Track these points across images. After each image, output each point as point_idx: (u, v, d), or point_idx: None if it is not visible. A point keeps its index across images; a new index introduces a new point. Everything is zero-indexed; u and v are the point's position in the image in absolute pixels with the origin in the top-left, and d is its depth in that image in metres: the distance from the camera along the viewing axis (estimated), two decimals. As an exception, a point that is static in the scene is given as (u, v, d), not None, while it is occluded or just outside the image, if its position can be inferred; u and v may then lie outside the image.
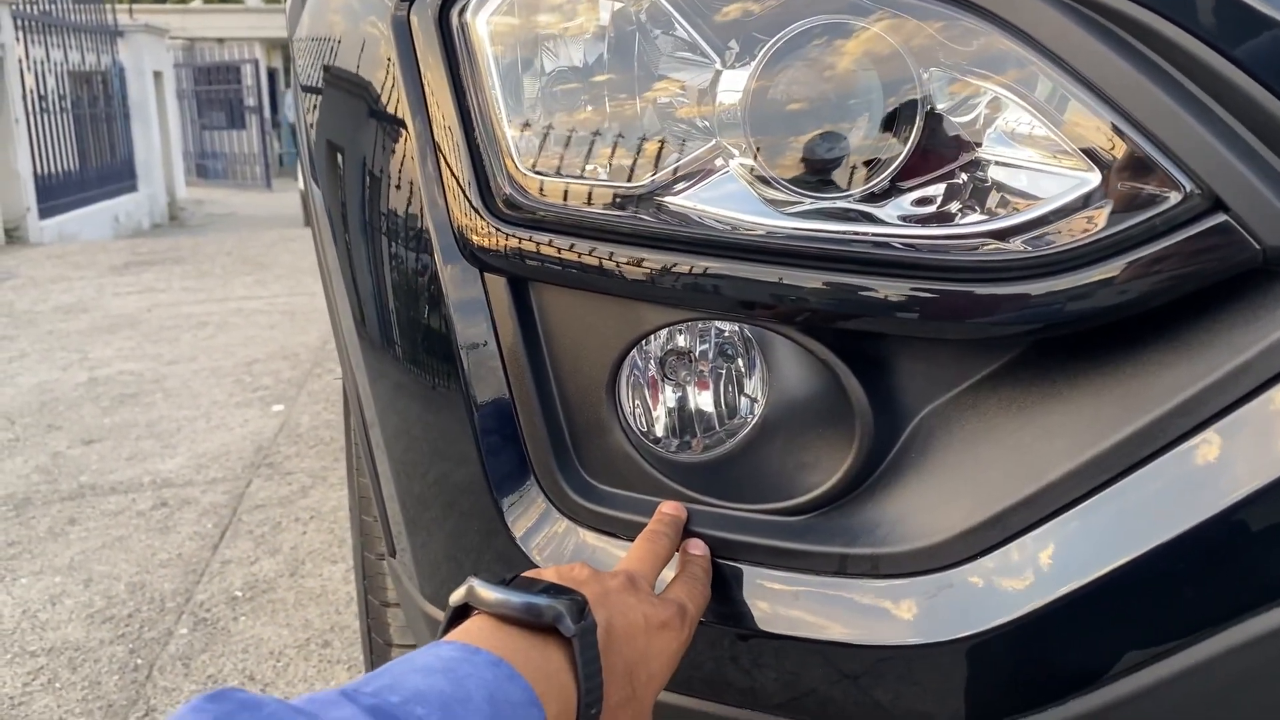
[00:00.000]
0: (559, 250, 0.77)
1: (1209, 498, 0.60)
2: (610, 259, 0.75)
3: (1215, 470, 0.61)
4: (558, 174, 0.77)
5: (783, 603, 0.73)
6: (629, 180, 0.75)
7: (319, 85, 1.05)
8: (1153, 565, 0.62)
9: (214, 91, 20.01)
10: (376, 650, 1.22)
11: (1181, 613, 0.63)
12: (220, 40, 21.18)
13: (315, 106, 1.08)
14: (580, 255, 0.76)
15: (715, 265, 0.72)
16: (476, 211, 0.79)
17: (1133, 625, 0.64)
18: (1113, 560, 0.63)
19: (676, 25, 0.73)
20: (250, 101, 19.34)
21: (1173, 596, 0.63)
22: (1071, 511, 0.65)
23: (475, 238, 0.79)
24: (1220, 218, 0.60)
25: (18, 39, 10.04)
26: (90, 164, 11.73)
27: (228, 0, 25.86)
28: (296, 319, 5.38)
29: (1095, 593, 0.63)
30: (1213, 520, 0.60)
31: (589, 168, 0.76)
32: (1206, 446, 0.61)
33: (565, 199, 0.76)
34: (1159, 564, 0.62)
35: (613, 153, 0.76)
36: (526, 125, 0.78)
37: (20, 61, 10.05)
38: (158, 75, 14.25)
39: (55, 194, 10.48)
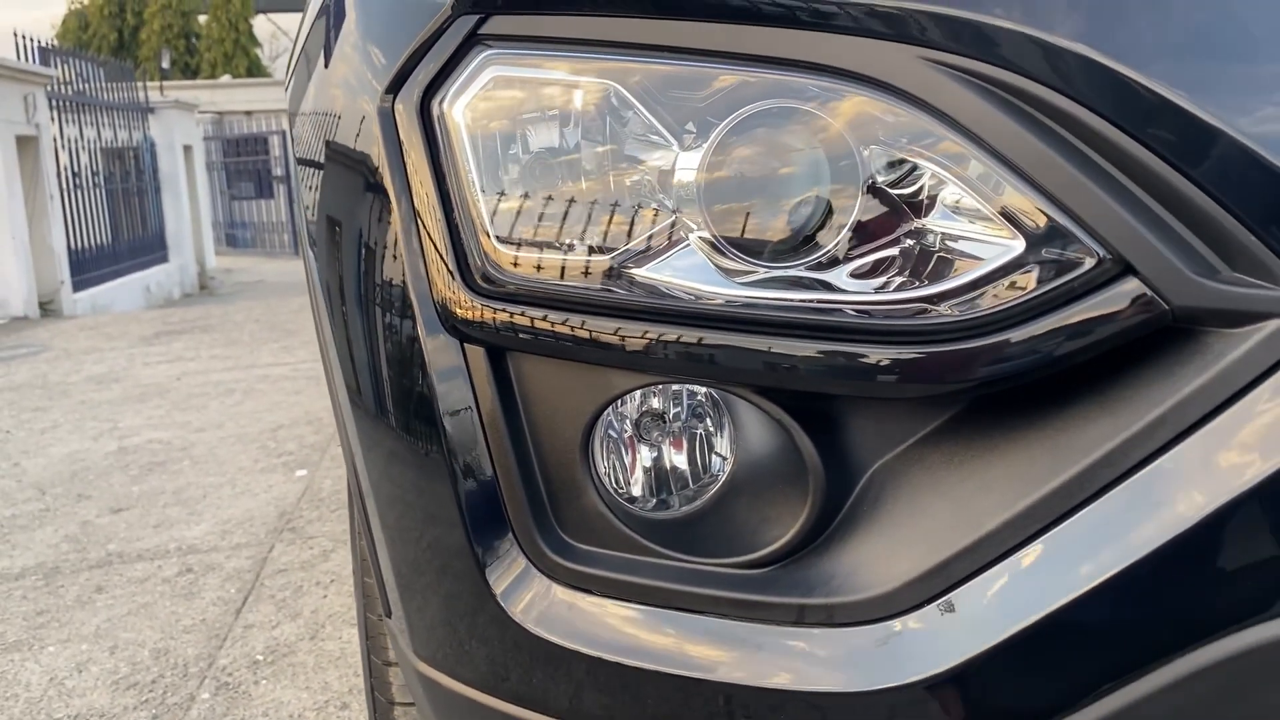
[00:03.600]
0: (533, 321, 0.81)
1: (1133, 543, 0.64)
2: (581, 329, 0.80)
3: (1138, 517, 0.64)
4: (531, 250, 0.82)
5: (745, 653, 0.76)
6: (598, 255, 0.80)
7: (320, 159, 1.11)
8: (1086, 607, 0.65)
9: (242, 162, 20.48)
10: (379, 709, 1.25)
11: (1115, 651, 0.66)
12: (248, 113, 21.67)
13: (316, 183, 1.14)
14: (553, 326, 0.81)
15: (679, 333, 0.76)
16: (456, 285, 0.84)
17: (1073, 663, 0.67)
18: (1050, 603, 0.66)
19: (638, 112, 0.78)
20: (278, 171, 19.73)
21: (1106, 636, 0.66)
22: (1010, 559, 0.68)
23: (455, 310, 0.84)
24: (1131, 281, 0.65)
25: (52, 119, 10.35)
26: (122, 237, 12.02)
27: (255, 74, 26.48)
28: (321, 384, 5.45)
29: (1036, 633, 0.66)
30: (1138, 564, 0.64)
31: (561, 244, 0.81)
32: (1128, 495, 0.65)
33: (539, 273, 0.81)
34: (1091, 605, 0.65)
35: (582, 230, 0.81)
36: (501, 205, 0.83)
37: (55, 140, 10.36)
38: (187, 149, 14.61)
39: (88, 267, 10.74)
